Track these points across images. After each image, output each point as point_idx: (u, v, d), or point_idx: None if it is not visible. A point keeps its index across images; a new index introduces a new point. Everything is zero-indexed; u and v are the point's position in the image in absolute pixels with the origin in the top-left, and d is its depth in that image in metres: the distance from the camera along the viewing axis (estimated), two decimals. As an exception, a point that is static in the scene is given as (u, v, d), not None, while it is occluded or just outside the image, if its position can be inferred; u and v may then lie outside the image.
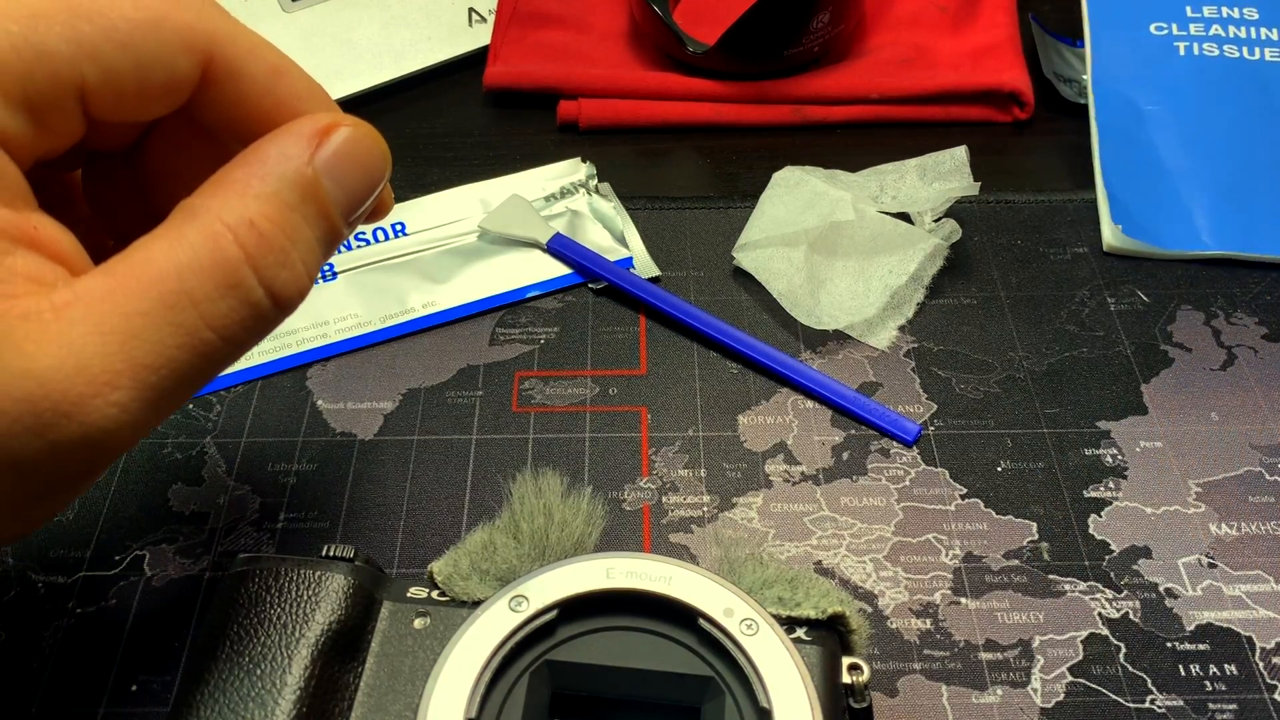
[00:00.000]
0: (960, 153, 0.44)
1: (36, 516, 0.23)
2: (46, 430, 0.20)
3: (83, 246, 0.23)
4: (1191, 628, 0.33)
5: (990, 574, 0.34)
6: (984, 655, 0.32)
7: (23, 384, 0.20)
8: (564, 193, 0.47)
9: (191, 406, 0.39)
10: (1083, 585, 0.34)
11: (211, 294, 0.22)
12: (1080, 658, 0.32)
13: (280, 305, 0.23)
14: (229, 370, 0.40)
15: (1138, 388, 0.40)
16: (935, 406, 0.39)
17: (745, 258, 0.43)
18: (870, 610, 0.33)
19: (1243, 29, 0.51)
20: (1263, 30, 0.51)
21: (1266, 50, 0.50)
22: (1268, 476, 0.37)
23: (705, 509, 0.36)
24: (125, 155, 0.27)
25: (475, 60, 0.54)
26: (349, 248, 0.45)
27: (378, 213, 0.27)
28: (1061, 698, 0.32)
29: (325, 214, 0.24)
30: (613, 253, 0.45)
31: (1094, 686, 0.32)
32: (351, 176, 0.25)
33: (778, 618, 0.27)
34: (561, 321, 0.42)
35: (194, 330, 0.22)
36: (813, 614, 0.27)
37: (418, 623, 0.27)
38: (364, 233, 0.45)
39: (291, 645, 0.26)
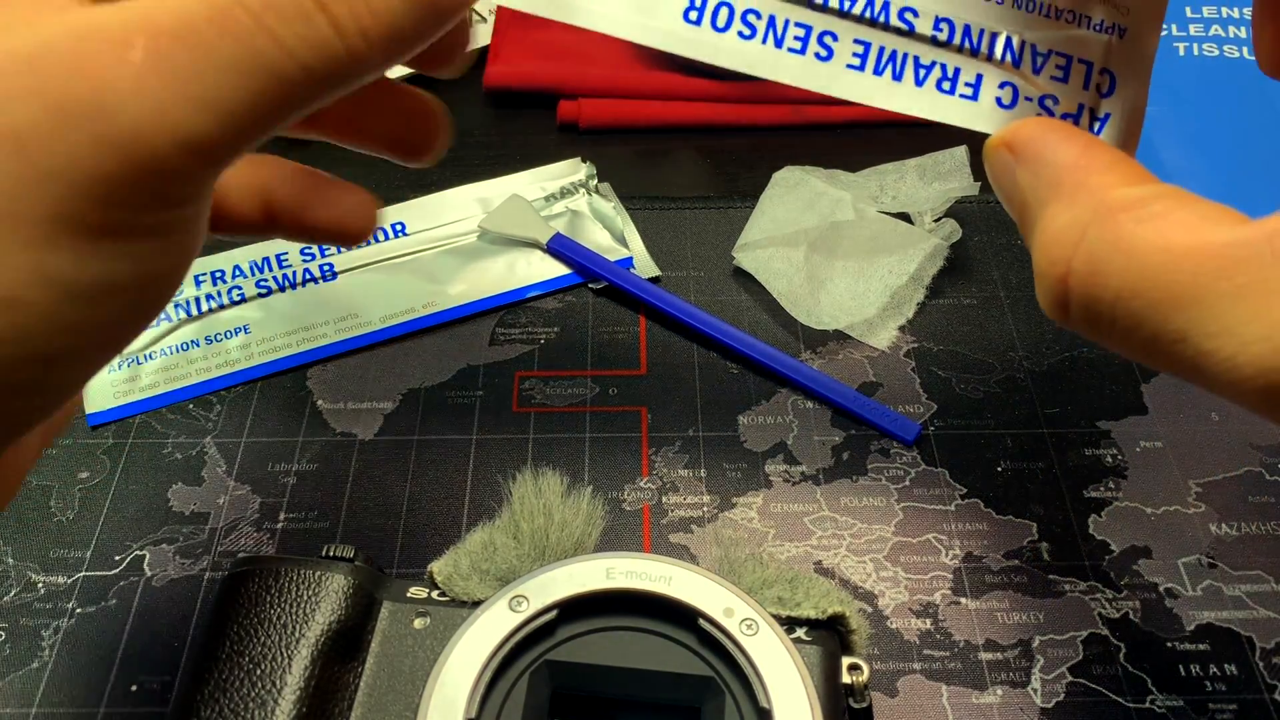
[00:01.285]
0: (960, 153, 0.44)
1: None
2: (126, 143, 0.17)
3: None
4: (1191, 628, 0.33)
5: (990, 574, 0.34)
6: (984, 655, 0.32)
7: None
8: (564, 193, 0.47)
9: (191, 406, 0.39)
10: (1083, 585, 0.34)
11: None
12: (1080, 658, 0.32)
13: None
14: (228, 370, 0.40)
15: (1138, 388, 0.40)
16: (935, 406, 0.39)
17: (745, 258, 0.43)
18: (870, 610, 0.33)
19: (1243, 29, 0.51)
20: (1263, 30, 0.50)
21: (1266, 50, 0.50)
22: (1268, 476, 0.37)
23: (705, 509, 0.36)
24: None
25: (475, 60, 0.54)
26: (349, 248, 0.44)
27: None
28: (1061, 698, 0.32)
29: None
30: (613, 253, 0.45)
31: (1094, 686, 0.32)
32: None
33: (778, 618, 0.27)
34: (561, 321, 0.42)
35: (261, 50, 0.17)
36: (813, 614, 0.27)
37: (418, 623, 0.27)
38: (364, 233, 0.45)
39: (291, 645, 0.26)
